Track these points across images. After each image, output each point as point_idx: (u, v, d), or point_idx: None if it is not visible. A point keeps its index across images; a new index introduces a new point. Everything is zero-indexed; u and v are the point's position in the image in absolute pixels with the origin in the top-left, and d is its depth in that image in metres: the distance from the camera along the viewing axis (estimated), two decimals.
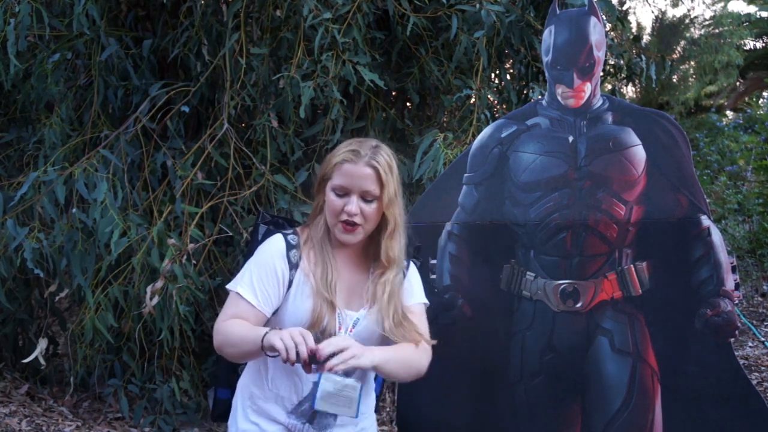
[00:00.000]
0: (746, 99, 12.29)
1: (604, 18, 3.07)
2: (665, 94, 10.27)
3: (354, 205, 1.69)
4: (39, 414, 3.26)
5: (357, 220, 1.69)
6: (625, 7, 9.31)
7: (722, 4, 11.35)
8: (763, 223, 6.10)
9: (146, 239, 2.93)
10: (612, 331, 2.17)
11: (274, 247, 1.74)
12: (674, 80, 9.91)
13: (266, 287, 1.70)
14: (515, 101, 3.52)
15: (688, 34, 10.13)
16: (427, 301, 1.87)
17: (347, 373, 1.65)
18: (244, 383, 1.81)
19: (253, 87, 3.24)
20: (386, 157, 1.73)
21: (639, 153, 2.18)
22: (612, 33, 4.15)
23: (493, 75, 3.80)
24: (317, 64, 3.05)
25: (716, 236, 2.14)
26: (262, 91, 3.30)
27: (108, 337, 2.97)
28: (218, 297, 3.22)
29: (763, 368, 4.22)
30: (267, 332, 1.58)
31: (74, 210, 2.97)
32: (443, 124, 3.79)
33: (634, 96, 10.25)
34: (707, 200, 2.18)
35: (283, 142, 3.25)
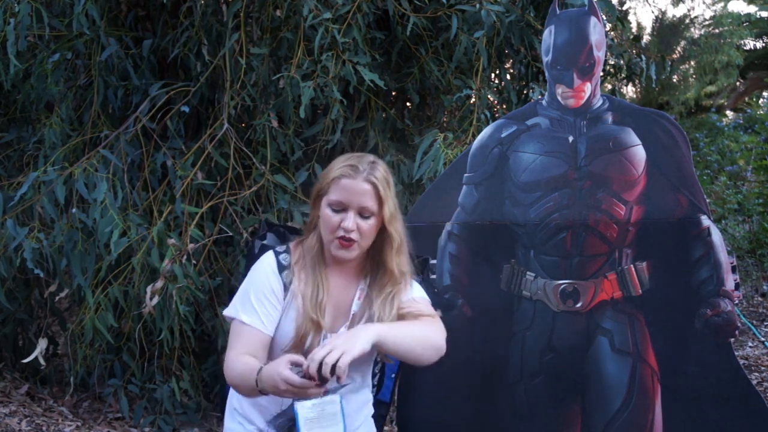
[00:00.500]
0: (746, 99, 12.29)
1: (604, 18, 3.07)
2: (665, 94, 10.27)
3: (351, 221, 1.66)
4: (39, 414, 3.26)
5: (354, 236, 1.67)
6: (625, 7, 9.31)
7: (722, 4, 11.34)
8: (763, 223, 6.10)
9: (146, 239, 2.93)
10: (612, 331, 2.17)
11: (267, 267, 1.73)
12: (674, 80, 9.91)
13: (267, 308, 1.69)
14: (515, 101, 3.52)
15: (688, 34, 10.13)
16: (427, 297, 1.83)
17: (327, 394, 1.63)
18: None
19: (253, 87, 3.24)
20: (384, 172, 1.72)
21: (639, 153, 2.18)
22: (612, 33, 4.15)
23: (493, 75, 3.80)
24: (317, 64, 3.05)
25: (716, 236, 2.14)
26: (262, 91, 3.30)
27: (108, 337, 2.97)
28: (218, 297, 3.22)
29: (763, 368, 4.22)
30: (257, 379, 1.56)
31: (74, 210, 2.97)
32: (443, 124, 3.79)
33: (634, 96, 10.25)
34: (707, 200, 2.18)
35: (283, 142, 3.25)
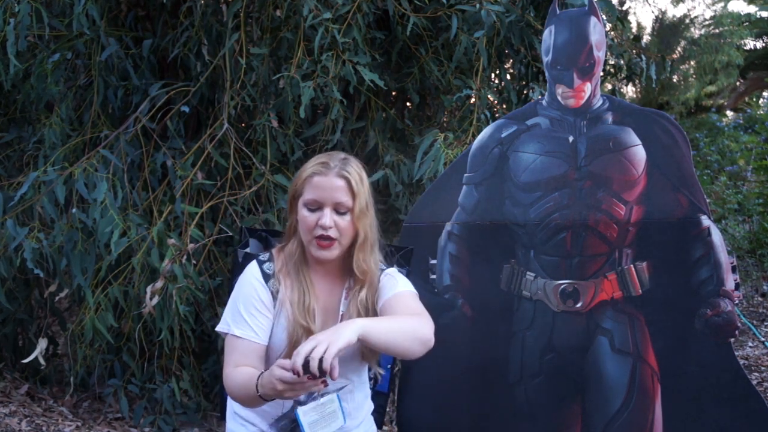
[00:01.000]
0: (746, 99, 12.29)
1: (604, 18, 3.07)
2: (665, 94, 10.27)
3: (328, 218, 1.65)
4: (39, 414, 3.26)
5: (332, 233, 1.66)
6: (625, 7, 9.30)
7: (722, 4, 11.34)
8: (763, 223, 6.10)
9: (146, 239, 2.93)
10: (612, 331, 2.17)
11: (253, 278, 1.72)
12: (674, 80, 9.91)
13: (258, 319, 1.69)
14: (515, 101, 3.51)
15: (688, 34, 10.13)
16: (414, 290, 1.78)
17: (313, 393, 1.64)
18: None
19: (253, 87, 3.24)
20: (356, 168, 1.71)
21: (639, 153, 2.18)
22: (612, 33, 4.15)
23: (493, 75, 3.80)
24: (317, 64, 3.04)
25: (716, 236, 2.14)
26: (262, 91, 3.30)
27: (108, 337, 2.97)
28: (218, 297, 3.22)
29: (763, 368, 4.22)
30: (257, 385, 1.56)
31: (74, 210, 2.97)
32: (443, 124, 3.79)
33: (634, 96, 10.24)
34: (707, 200, 2.18)
35: (283, 142, 3.25)
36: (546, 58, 2.25)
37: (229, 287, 1.84)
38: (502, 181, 2.24)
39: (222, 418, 2.04)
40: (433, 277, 2.25)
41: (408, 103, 3.89)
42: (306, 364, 1.43)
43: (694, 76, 10.17)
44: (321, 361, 1.42)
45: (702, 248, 2.14)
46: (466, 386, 2.25)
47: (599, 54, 2.21)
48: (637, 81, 4.01)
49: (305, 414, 1.60)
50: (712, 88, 11.68)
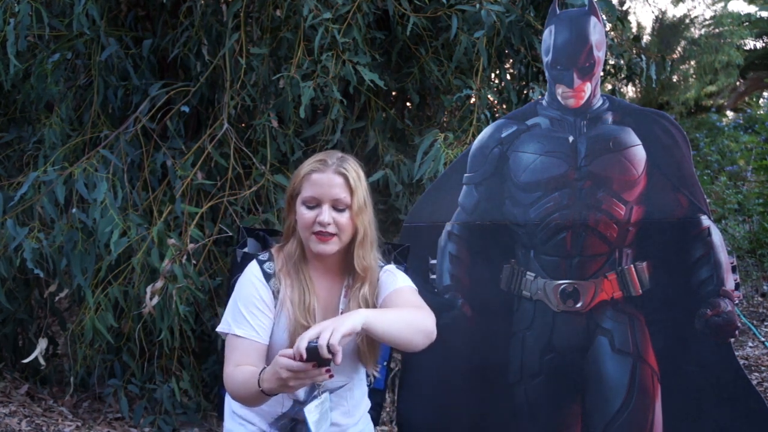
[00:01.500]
0: (746, 99, 12.29)
1: (604, 18, 3.07)
2: (665, 94, 10.26)
3: (326, 214, 1.66)
4: (39, 414, 3.26)
5: (331, 229, 1.67)
6: (625, 7, 9.31)
7: (722, 4, 11.34)
8: (763, 223, 6.10)
9: (146, 239, 2.93)
10: (612, 331, 2.17)
11: (254, 277, 1.72)
12: (674, 80, 9.91)
13: (259, 318, 1.69)
14: (515, 101, 3.51)
15: (688, 34, 10.13)
16: (414, 285, 1.79)
17: (313, 391, 1.66)
18: None
19: (253, 87, 3.24)
20: (354, 165, 1.72)
21: (639, 153, 2.18)
22: (612, 33, 4.15)
23: (493, 75, 3.80)
24: (317, 64, 3.04)
25: (716, 236, 2.14)
26: (262, 91, 3.30)
27: (108, 337, 2.97)
28: (218, 297, 3.22)
29: (763, 368, 4.21)
30: (259, 380, 1.54)
31: (74, 210, 2.97)
32: (443, 124, 3.79)
33: (634, 96, 10.24)
34: (707, 200, 2.18)
35: (283, 142, 3.25)
36: (546, 58, 2.25)
37: (228, 287, 1.83)
38: (502, 181, 2.24)
39: (221, 418, 2.04)
40: (433, 277, 2.25)
41: (408, 103, 3.89)
42: (311, 350, 1.41)
43: (694, 76, 10.17)
44: (327, 347, 1.41)
45: (702, 248, 2.14)
46: (466, 386, 2.25)
47: (599, 54, 2.21)
48: (637, 81, 4.01)
49: (310, 413, 1.62)
50: (712, 88, 11.68)
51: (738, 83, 11.92)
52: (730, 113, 12.30)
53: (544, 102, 2.27)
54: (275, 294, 1.71)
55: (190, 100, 3.32)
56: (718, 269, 2.12)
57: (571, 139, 2.21)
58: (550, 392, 2.20)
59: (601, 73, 2.34)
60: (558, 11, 2.26)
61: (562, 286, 2.19)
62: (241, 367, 1.65)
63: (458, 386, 2.25)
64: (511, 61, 3.85)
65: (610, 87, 4.76)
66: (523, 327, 2.22)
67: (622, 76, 3.95)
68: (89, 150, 3.27)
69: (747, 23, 11.15)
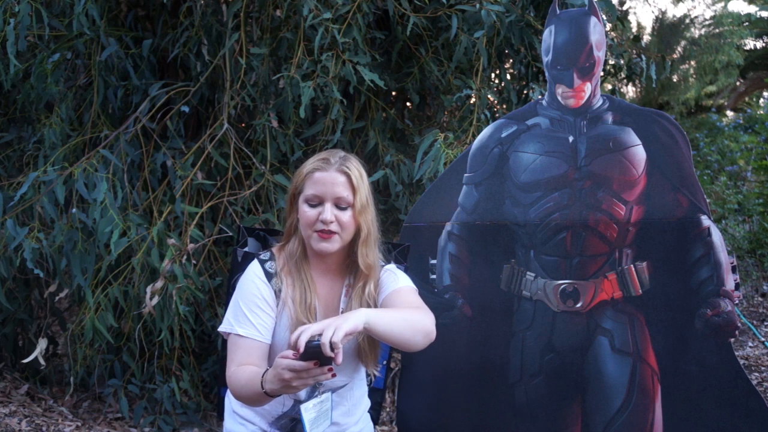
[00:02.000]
0: (746, 99, 12.29)
1: (604, 18, 3.07)
2: (665, 94, 10.27)
3: (329, 212, 1.66)
4: (39, 414, 3.26)
5: (333, 228, 1.67)
6: (625, 7, 9.31)
7: (722, 4, 11.35)
8: (763, 223, 6.10)
9: (146, 239, 2.93)
10: (612, 331, 2.17)
11: (256, 277, 1.72)
12: (674, 80, 9.91)
13: (261, 318, 1.69)
14: (515, 101, 3.52)
15: (688, 34, 10.13)
16: (413, 286, 1.80)
17: (314, 391, 1.68)
18: None
19: (253, 87, 3.24)
20: (356, 164, 1.73)
21: (639, 153, 2.18)
22: (612, 33, 4.15)
23: (493, 75, 3.80)
24: (317, 64, 3.05)
25: (716, 236, 2.13)
26: (262, 91, 3.30)
27: (108, 337, 2.97)
28: (218, 297, 3.22)
29: (763, 368, 4.22)
30: (262, 382, 1.53)
31: (74, 210, 2.97)
32: (443, 124, 3.80)
33: (634, 96, 10.25)
34: (707, 200, 2.17)
35: (283, 142, 3.25)
36: (546, 58, 2.25)
37: (229, 287, 1.83)
38: (502, 181, 2.24)
39: (221, 417, 2.04)
40: (433, 277, 2.25)
41: (408, 103, 3.90)
42: (313, 348, 1.40)
43: (694, 76, 10.17)
44: (330, 345, 1.40)
45: (702, 248, 2.14)
46: (466, 386, 2.25)
47: (599, 54, 2.21)
48: (637, 81, 4.01)
49: (307, 411, 1.63)
50: (712, 88, 11.68)
51: (738, 83, 11.92)
52: (730, 113, 12.30)
53: (544, 102, 2.27)
54: (277, 293, 1.71)
55: (190, 100, 3.32)
56: (718, 269, 2.12)
57: (571, 139, 2.21)
58: (550, 392, 2.20)
59: (601, 73, 2.34)
60: (558, 11, 2.26)
61: (562, 286, 2.19)
62: (243, 367, 1.64)
63: (458, 386, 2.25)
64: (511, 61, 3.86)
65: (610, 87, 4.77)
66: (523, 327, 2.22)
67: (622, 76, 3.96)
68: (89, 150, 3.27)
69: (747, 23, 11.15)
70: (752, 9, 11.96)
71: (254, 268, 1.74)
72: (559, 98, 2.23)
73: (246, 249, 1.99)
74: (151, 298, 2.80)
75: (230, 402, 1.83)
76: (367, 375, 1.92)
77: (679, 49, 9.88)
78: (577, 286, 2.18)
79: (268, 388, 1.52)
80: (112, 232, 2.82)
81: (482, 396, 2.24)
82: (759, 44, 11.88)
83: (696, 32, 10.22)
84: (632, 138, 2.19)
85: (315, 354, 1.40)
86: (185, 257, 2.88)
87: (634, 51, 3.91)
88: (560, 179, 2.19)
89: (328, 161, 1.70)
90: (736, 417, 2.11)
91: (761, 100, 12.54)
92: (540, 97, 2.41)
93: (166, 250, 2.88)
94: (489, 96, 3.38)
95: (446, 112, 3.82)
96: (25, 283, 3.40)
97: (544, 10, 3.31)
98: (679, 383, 2.14)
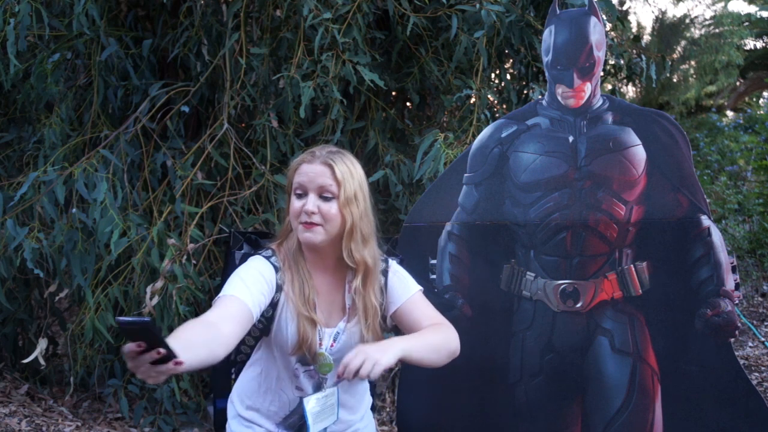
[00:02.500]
0: (746, 99, 12.29)
1: (604, 18, 3.07)
2: (665, 94, 10.27)
3: (311, 203, 1.66)
4: (39, 414, 3.26)
5: (316, 219, 1.65)
6: (625, 7, 9.31)
7: (722, 4, 11.35)
8: (763, 223, 6.10)
9: (146, 239, 2.93)
10: (612, 331, 2.17)
11: (262, 265, 1.70)
12: (674, 80, 9.92)
13: (256, 289, 1.63)
14: (515, 101, 3.52)
15: (688, 34, 10.14)
16: (420, 287, 1.81)
17: (319, 385, 1.68)
18: (240, 391, 1.80)
19: (253, 87, 3.24)
20: (346, 159, 1.72)
21: (639, 153, 2.18)
22: (612, 33, 4.15)
23: (493, 75, 3.80)
24: (317, 64, 3.05)
25: (716, 236, 2.13)
26: (262, 91, 3.30)
27: (108, 337, 2.97)
28: None
29: (763, 368, 4.22)
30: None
31: (74, 210, 2.97)
32: (443, 124, 3.79)
33: (634, 96, 10.25)
34: (707, 200, 2.17)
35: (283, 142, 3.25)
36: (546, 58, 2.25)
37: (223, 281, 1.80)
38: (502, 181, 2.24)
39: (218, 429, 1.99)
40: (433, 277, 2.25)
41: (408, 103, 3.90)
42: (126, 325, 1.19)
43: (694, 76, 10.17)
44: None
45: (702, 248, 2.13)
46: (466, 386, 2.25)
47: (599, 54, 2.21)
48: (637, 81, 4.01)
49: (309, 403, 1.63)
50: (712, 88, 11.69)
51: (738, 83, 11.93)
52: (730, 113, 12.30)
53: (544, 102, 2.26)
54: (280, 287, 1.69)
55: (190, 100, 3.32)
56: (718, 269, 2.12)
57: (571, 139, 2.21)
58: (550, 392, 2.20)
59: (601, 73, 2.34)
60: (558, 11, 2.26)
61: (562, 286, 2.19)
62: (201, 320, 1.51)
63: (458, 386, 2.25)
64: (511, 61, 3.86)
65: (610, 87, 4.77)
66: (523, 327, 2.22)
67: (622, 76, 3.96)
68: (89, 150, 3.27)
69: (747, 23, 11.15)
70: (752, 9, 11.96)
71: (262, 260, 1.71)
72: (559, 98, 2.23)
73: (244, 251, 1.98)
74: (151, 298, 2.80)
75: (234, 406, 1.81)
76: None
77: (679, 49, 9.89)
78: (577, 286, 2.18)
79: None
80: (112, 232, 2.82)
81: (482, 396, 2.24)
82: (759, 44, 11.89)
83: (696, 32, 10.22)
84: (632, 138, 2.18)
85: (134, 332, 1.20)
86: (185, 257, 2.88)
87: (634, 51, 3.91)
88: (560, 179, 2.19)
89: (314, 154, 1.71)
90: (736, 417, 2.11)
91: (761, 100, 12.54)
92: (540, 97, 2.41)
93: (166, 250, 2.88)
94: (489, 96, 3.38)
95: (446, 112, 3.82)
96: (25, 283, 3.40)
97: (544, 10, 3.31)
98: (679, 383, 2.14)
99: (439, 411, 2.27)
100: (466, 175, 2.27)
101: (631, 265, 2.17)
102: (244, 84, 3.21)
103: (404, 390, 2.29)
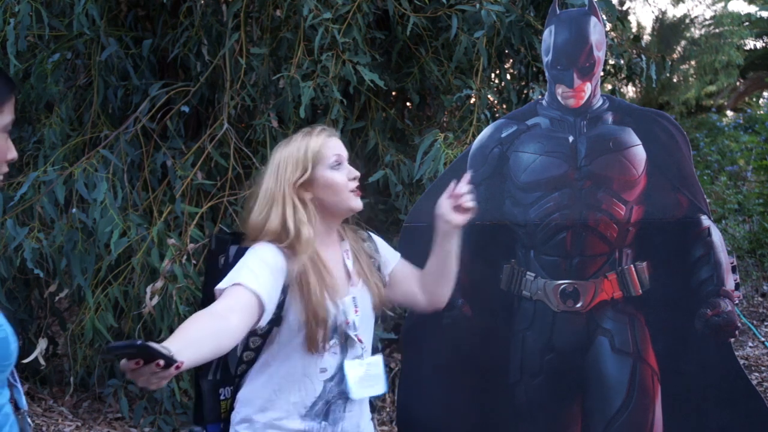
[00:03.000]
0: (746, 99, 12.30)
1: (604, 18, 3.06)
2: (665, 94, 10.27)
3: (353, 170, 1.73)
4: (39, 414, 3.26)
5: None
6: (625, 7, 9.31)
7: (722, 4, 11.35)
8: (763, 223, 6.11)
9: (146, 239, 2.93)
10: (612, 331, 2.17)
11: (269, 251, 1.63)
12: (674, 80, 9.92)
13: (267, 278, 1.56)
14: (515, 101, 3.52)
15: (688, 34, 10.14)
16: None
17: (374, 350, 1.66)
18: (247, 399, 1.70)
19: (253, 87, 3.24)
20: None
21: (639, 153, 2.17)
22: (612, 33, 4.15)
23: (493, 75, 3.80)
24: (317, 64, 3.05)
25: (716, 236, 2.13)
26: (262, 91, 3.30)
27: (108, 337, 2.97)
28: None
29: (763, 368, 4.22)
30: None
31: (74, 210, 2.97)
32: (443, 124, 3.80)
33: (634, 96, 10.25)
34: (707, 200, 2.17)
35: None
36: (546, 58, 2.25)
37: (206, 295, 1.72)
38: (502, 181, 2.23)
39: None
40: None
41: (408, 103, 3.90)
42: (117, 351, 1.19)
43: (694, 76, 10.17)
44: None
45: (702, 248, 2.13)
46: (465, 386, 2.24)
47: (599, 54, 2.21)
48: (637, 81, 4.01)
49: (351, 368, 1.60)
50: (712, 88, 11.69)
51: (738, 83, 11.93)
52: (730, 113, 12.31)
53: (544, 102, 2.26)
54: (289, 273, 1.62)
55: (190, 100, 3.32)
56: (718, 269, 2.12)
57: (571, 139, 2.21)
58: (550, 392, 2.19)
59: (601, 73, 2.33)
60: (558, 11, 2.26)
61: (562, 286, 2.19)
62: (207, 313, 1.46)
63: (458, 386, 2.25)
64: (511, 61, 3.86)
65: (610, 87, 4.77)
66: (523, 327, 2.22)
67: (622, 76, 3.96)
68: (89, 150, 3.27)
69: (747, 23, 11.16)
70: (752, 9, 11.97)
71: (269, 246, 1.64)
72: (559, 98, 2.23)
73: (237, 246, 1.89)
74: (151, 298, 2.80)
75: (249, 417, 1.68)
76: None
77: (679, 49, 9.89)
78: (577, 286, 2.18)
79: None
80: (112, 232, 2.82)
81: (482, 396, 2.24)
82: (759, 44, 11.89)
83: (696, 32, 10.23)
84: (632, 138, 2.18)
85: (130, 354, 1.19)
86: (185, 257, 2.88)
87: (634, 51, 3.91)
88: (560, 179, 2.19)
89: (325, 129, 1.78)
90: (736, 417, 2.11)
91: (761, 100, 12.54)
92: (540, 97, 2.41)
93: (166, 250, 2.88)
94: (489, 96, 3.38)
95: (446, 112, 3.82)
96: (25, 283, 3.40)
97: (544, 10, 3.31)
98: (679, 383, 2.13)
99: (439, 411, 2.26)
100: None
101: (631, 265, 2.17)
102: (244, 84, 3.21)
103: (404, 390, 2.28)
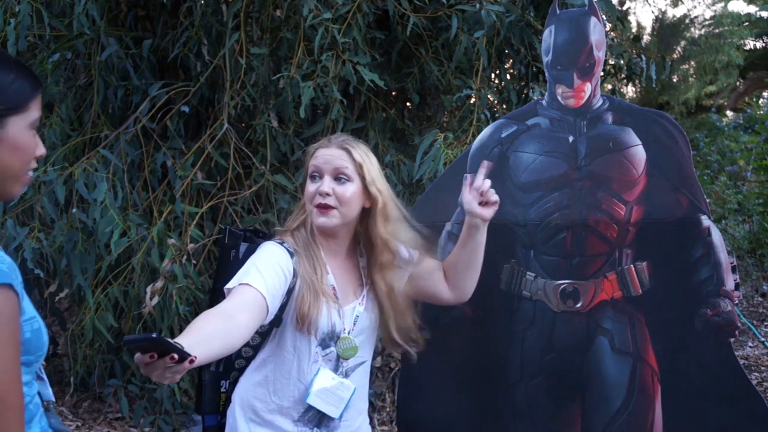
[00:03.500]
0: (746, 99, 12.29)
1: (604, 18, 3.07)
2: (665, 94, 10.27)
3: (326, 184, 1.65)
4: None
5: (330, 201, 1.64)
6: (625, 7, 9.31)
7: (722, 4, 11.35)
8: (763, 223, 6.11)
9: (146, 239, 2.93)
10: (612, 331, 2.17)
11: (277, 252, 1.65)
12: (674, 80, 9.91)
13: (273, 279, 1.58)
14: (515, 101, 3.52)
15: (688, 34, 10.14)
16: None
17: (347, 374, 1.65)
18: (243, 398, 1.73)
19: (253, 87, 3.24)
20: (363, 146, 1.74)
21: (639, 153, 2.17)
22: (612, 33, 4.15)
23: (493, 75, 3.80)
24: (317, 64, 3.05)
25: (716, 236, 2.13)
26: (262, 91, 3.30)
27: (108, 337, 2.97)
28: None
29: (763, 368, 4.22)
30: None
31: (74, 210, 2.97)
32: (443, 124, 3.80)
33: (634, 96, 10.25)
34: (707, 200, 2.17)
35: (283, 142, 3.25)
36: (546, 58, 2.25)
37: (218, 290, 1.74)
38: (502, 181, 2.23)
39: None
40: None
41: (408, 103, 3.90)
42: (134, 344, 1.20)
43: (694, 76, 10.17)
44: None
45: (702, 248, 2.13)
46: (466, 386, 2.24)
47: (599, 54, 2.21)
48: (637, 81, 4.01)
49: (323, 377, 1.62)
50: (712, 88, 11.69)
51: (738, 83, 11.93)
52: (730, 113, 12.30)
53: (544, 102, 2.26)
54: (296, 272, 1.65)
55: (190, 100, 3.32)
56: (718, 269, 2.12)
57: (571, 139, 2.21)
58: (551, 392, 2.19)
59: (601, 73, 2.33)
60: (558, 11, 2.26)
61: (562, 286, 2.18)
62: (218, 311, 1.49)
63: (458, 386, 2.25)
64: (511, 61, 3.86)
65: (610, 87, 4.76)
66: (523, 327, 2.21)
67: (622, 76, 3.96)
68: (89, 150, 3.28)
69: (747, 23, 11.15)
70: (752, 9, 11.96)
71: (276, 246, 1.67)
72: (559, 98, 2.23)
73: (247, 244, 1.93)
74: (151, 298, 2.80)
75: (243, 415, 1.71)
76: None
77: (679, 49, 9.89)
78: (577, 286, 2.18)
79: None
80: (112, 232, 2.82)
81: (482, 396, 2.24)
82: (759, 44, 11.89)
83: (696, 32, 10.22)
84: (632, 138, 2.18)
85: (144, 347, 1.20)
86: (185, 257, 2.88)
87: (634, 51, 3.91)
88: (560, 179, 2.19)
89: (330, 139, 1.74)
90: (736, 417, 2.11)
91: (761, 100, 12.54)
92: (540, 97, 2.41)
93: (166, 250, 2.88)
94: (489, 96, 3.38)
95: (446, 112, 3.82)
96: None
97: (544, 10, 3.31)
98: (679, 383, 2.13)
99: (439, 411, 2.26)
100: (466, 175, 2.26)
101: (631, 265, 2.17)
102: (244, 84, 3.21)
103: (404, 390, 2.28)
